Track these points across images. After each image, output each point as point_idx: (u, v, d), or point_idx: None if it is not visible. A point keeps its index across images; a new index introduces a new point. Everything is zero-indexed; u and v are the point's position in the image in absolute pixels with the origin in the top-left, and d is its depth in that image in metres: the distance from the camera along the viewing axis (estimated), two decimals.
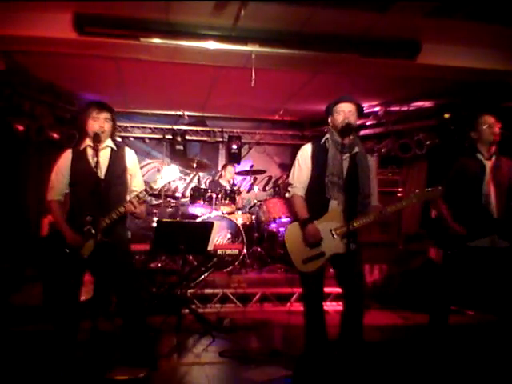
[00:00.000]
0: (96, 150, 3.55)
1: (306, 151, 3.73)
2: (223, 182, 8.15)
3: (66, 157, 3.73)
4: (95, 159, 3.55)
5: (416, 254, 6.68)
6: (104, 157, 3.68)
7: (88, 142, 3.71)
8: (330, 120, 3.71)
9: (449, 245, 4.01)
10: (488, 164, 4.01)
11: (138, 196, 3.63)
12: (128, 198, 3.78)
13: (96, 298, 3.81)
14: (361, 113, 3.69)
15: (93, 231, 3.53)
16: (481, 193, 3.95)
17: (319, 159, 3.64)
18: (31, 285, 5.17)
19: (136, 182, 3.89)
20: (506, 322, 4.06)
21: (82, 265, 3.63)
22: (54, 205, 3.72)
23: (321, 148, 3.69)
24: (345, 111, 3.57)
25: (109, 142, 3.78)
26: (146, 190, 3.66)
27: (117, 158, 3.80)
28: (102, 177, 3.62)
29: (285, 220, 7.41)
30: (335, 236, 3.55)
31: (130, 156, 3.89)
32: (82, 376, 3.53)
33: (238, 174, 8.79)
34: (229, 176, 8.22)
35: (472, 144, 4.09)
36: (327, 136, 3.71)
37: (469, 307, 5.66)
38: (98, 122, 3.64)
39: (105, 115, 3.68)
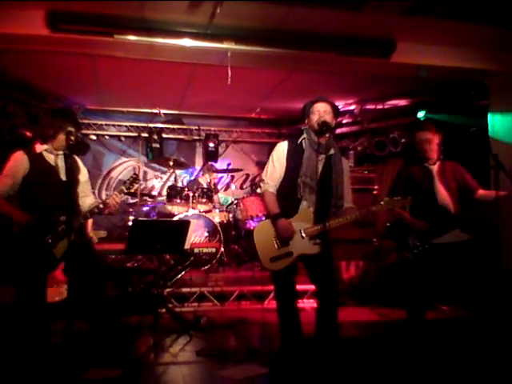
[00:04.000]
0: (56, 155, 3.72)
1: (282, 149, 3.73)
2: (202, 181, 8.12)
3: (23, 160, 3.65)
4: (54, 162, 3.70)
5: (391, 250, 6.74)
6: (61, 160, 3.78)
7: (45, 146, 3.76)
8: (306, 121, 3.74)
9: (413, 245, 4.09)
10: (434, 168, 4.20)
11: (104, 202, 3.73)
12: (80, 202, 3.90)
13: (70, 299, 3.77)
14: (336, 113, 3.72)
15: (66, 231, 3.56)
16: (435, 195, 4.10)
17: (294, 159, 3.65)
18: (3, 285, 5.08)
19: (88, 188, 4.02)
20: (477, 314, 4.15)
21: (52, 263, 3.65)
22: None
23: (297, 147, 3.70)
24: (320, 111, 3.60)
25: None
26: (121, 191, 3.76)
27: (71, 161, 3.88)
28: (65, 178, 3.71)
29: (262, 218, 7.41)
30: (304, 236, 3.57)
31: (79, 161, 4.03)
32: (57, 377, 3.49)
33: (215, 172, 8.77)
34: (209, 175, 8.20)
35: (417, 154, 4.28)
36: (304, 136, 3.72)
37: (443, 302, 5.73)
38: (69, 137, 3.72)
39: (77, 132, 3.86)
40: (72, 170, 3.82)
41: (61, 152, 3.78)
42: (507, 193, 3.82)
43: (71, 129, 3.74)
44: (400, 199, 3.69)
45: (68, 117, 3.82)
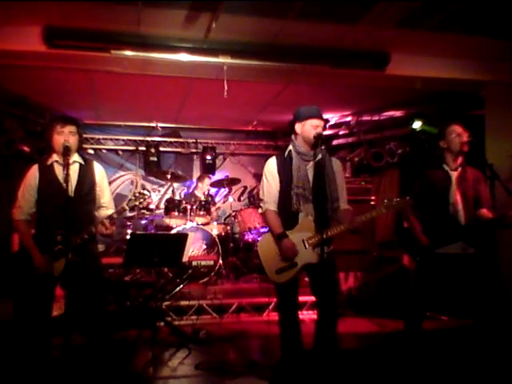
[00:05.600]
0: (66, 165, 3.48)
1: (272, 165, 3.77)
2: (198, 193, 8.14)
3: (33, 174, 3.64)
4: (63, 175, 3.49)
5: (390, 261, 6.75)
6: (73, 172, 3.61)
7: (55, 157, 3.66)
8: (298, 127, 3.72)
9: (418, 252, 4.08)
10: (454, 174, 4.05)
11: (110, 216, 3.59)
12: (97, 214, 3.76)
13: (68, 313, 3.75)
14: (325, 126, 3.78)
15: (64, 250, 3.46)
16: (448, 202, 4.00)
17: (284, 172, 3.69)
18: (1, 301, 5.07)
19: (105, 199, 3.83)
20: (479, 325, 4.13)
21: (51, 281, 3.58)
22: (21, 225, 3.63)
23: (285, 160, 3.73)
24: (319, 126, 3.62)
25: (77, 157, 3.72)
26: (118, 212, 3.63)
27: (86, 173, 3.73)
28: (72, 194, 3.53)
29: (260, 230, 7.42)
30: (307, 246, 3.58)
31: (98, 171, 3.84)
32: None
33: (213, 184, 8.80)
34: (205, 187, 8.22)
35: (440, 154, 4.15)
36: (290, 148, 3.76)
37: (442, 313, 5.73)
38: (63, 136, 3.56)
39: (69, 128, 3.60)
40: (85, 183, 3.68)
41: (71, 161, 3.61)
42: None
43: (58, 126, 3.57)
44: (399, 200, 3.67)
45: (54, 118, 3.67)
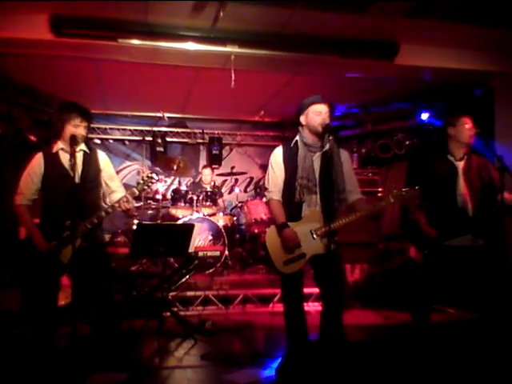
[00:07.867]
0: (73, 154, 3.50)
1: (278, 154, 3.75)
2: (204, 184, 8.12)
3: (38, 162, 3.65)
4: (69, 163, 3.51)
5: (396, 253, 6.73)
6: (78, 160, 3.63)
7: (61, 144, 3.68)
8: (303, 119, 3.69)
9: (425, 245, 4.04)
10: (459, 165, 4.01)
11: (126, 196, 3.60)
12: (109, 199, 3.80)
13: (75, 303, 3.76)
14: (333, 111, 3.69)
15: (72, 237, 3.47)
16: (455, 193, 3.96)
17: (290, 162, 3.66)
18: (9, 290, 5.09)
19: (115, 183, 3.88)
20: (487, 318, 4.10)
21: (59, 269, 3.59)
22: (22, 209, 3.65)
23: (291, 150, 3.71)
24: (322, 112, 3.58)
25: (82, 146, 3.74)
26: (130, 194, 3.64)
27: (90, 161, 3.76)
28: (78, 181, 3.54)
29: (266, 221, 7.41)
30: (315, 237, 3.56)
31: (102, 158, 3.87)
32: (62, 381, 3.48)
33: (219, 175, 8.76)
34: (208, 178, 8.18)
35: (445, 143, 4.10)
36: (297, 137, 3.73)
37: (450, 305, 5.71)
38: (79, 130, 3.61)
39: (85, 124, 3.66)
40: (90, 171, 3.72)
41: (78, 149, 3.64)
42: None
43: (77, 120, 3.61)
44: (408, 190, 3.60)
45: (72, 108, 3.67)
